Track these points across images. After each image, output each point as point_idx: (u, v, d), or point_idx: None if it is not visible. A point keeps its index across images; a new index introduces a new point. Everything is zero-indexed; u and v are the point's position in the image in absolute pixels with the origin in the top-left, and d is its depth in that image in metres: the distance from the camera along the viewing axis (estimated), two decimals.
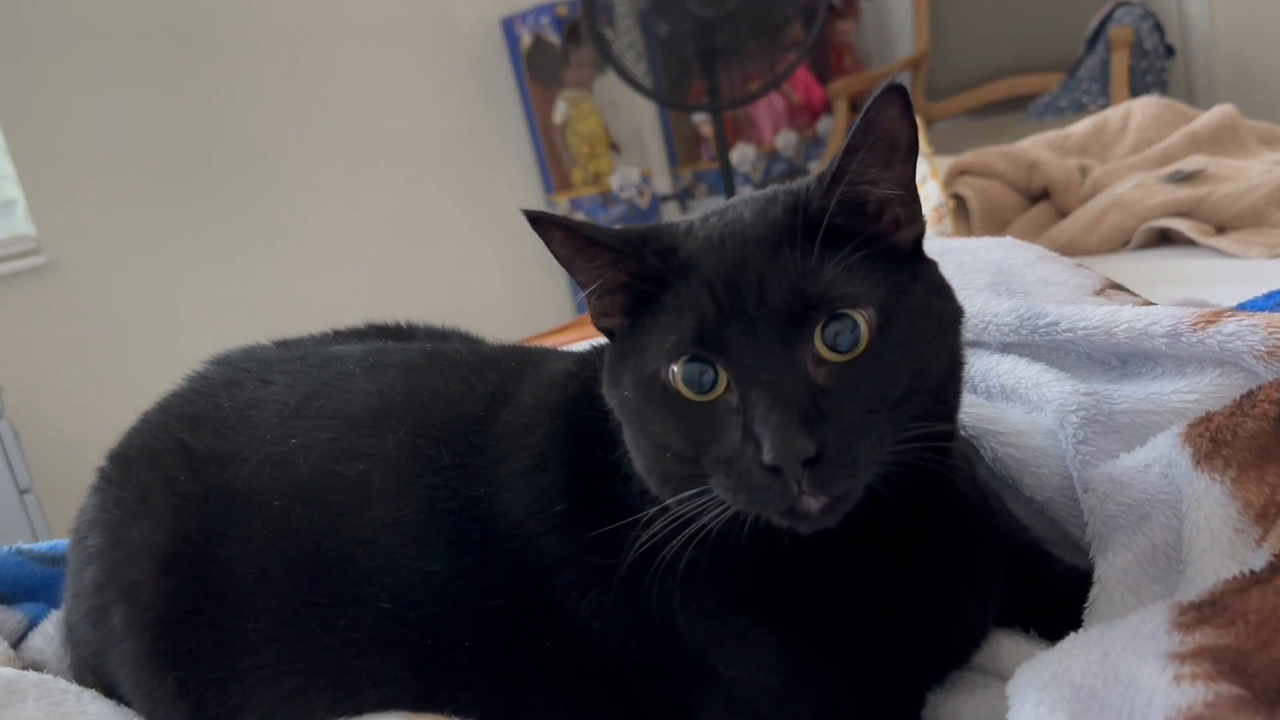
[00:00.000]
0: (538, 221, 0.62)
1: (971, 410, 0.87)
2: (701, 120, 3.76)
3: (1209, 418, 0.73)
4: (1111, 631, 0.60)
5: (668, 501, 0.63)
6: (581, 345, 0.93)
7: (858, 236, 0.60)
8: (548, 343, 1.33)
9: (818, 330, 0.58)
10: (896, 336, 0.59)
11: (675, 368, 0.60)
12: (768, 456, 0.55)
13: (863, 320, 0.58)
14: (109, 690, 0.86)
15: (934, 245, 1.30)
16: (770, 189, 0.67)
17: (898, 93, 0.59)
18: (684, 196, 3.91)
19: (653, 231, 0.65)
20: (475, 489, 0.74)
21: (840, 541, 0.64)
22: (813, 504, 0.57)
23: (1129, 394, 0.82)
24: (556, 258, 0.65)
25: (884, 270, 0.61)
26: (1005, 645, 0.73)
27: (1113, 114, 2.26)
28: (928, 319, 0.62)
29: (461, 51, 3.51)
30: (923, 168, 1.96)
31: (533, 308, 3.26)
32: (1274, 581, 0.59)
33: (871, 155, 0.61)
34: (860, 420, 0.57)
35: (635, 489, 0.67)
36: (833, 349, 0.58)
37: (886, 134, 0.60)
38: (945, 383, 0.63)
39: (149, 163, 2.78)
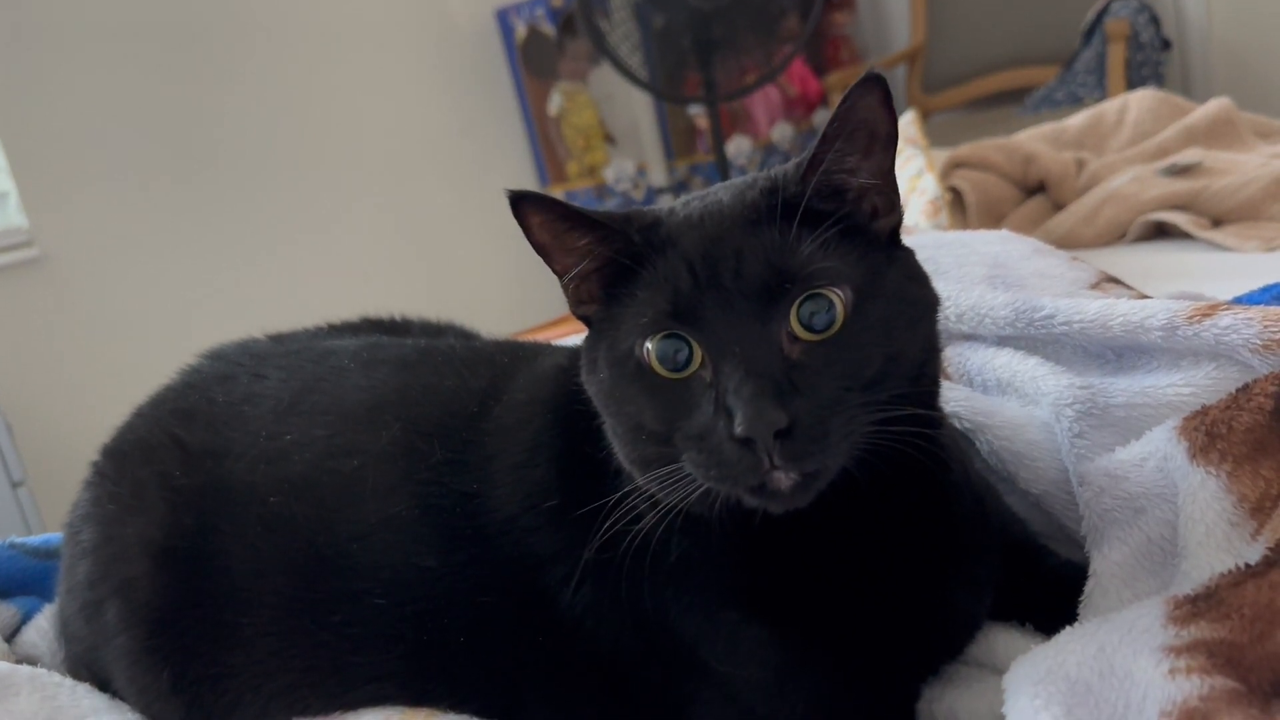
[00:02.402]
0: (519, 202, 0.62)
1: (967, 403, 0.87)
2: (697, 113, 3.74)
3: (1204, 411, 0.73)
4: (1107, 625, 0.60)
5: (639, 480, 0.63)
6: (575, 339, 0.93)
7: (833, 217, 0.61)
8: (543, 336, 1.33)
9: (794, 308, 0.58)
10: (871, 317, 0.59)
11: (649, 344, 0.60)
12: (739, 428, 0.55)
13: (838, 300, 0.59)
14: (103, 685, 0.86)
15: (930, 238, 1.30)
16: (748, 175, 0.68)
17: (876, 82, 0.59)
18: (680, 189, 3.90)
19: (635, 212, 0.65)
20: (468, 485, 0.74)
21: (827, 532, 0.64)
22: (784, 481, 0.56)
23: (1125, 387, 0.82)
24: (534, 244, 0.64)
25: (860, 252, 0.61)
26: (1001, 639, 0.73)
27: (1109, 107, 2.25)
28: (903, 303, 0.62)
29: (456, 43, 3.49)
30: (919, 160, 1.95)
31: (528, 301, 3.25)
32: (1269, 575, 0.59)
33: (850, 144, 0.61)
34: (833, 396, 0.57)
35: (625, 483, 0.67)
36: (808, 328, 0.58)
37: (865, 123, 0.61)
38: (920, 367, 0.63)
39: (143, 155, 2.77)
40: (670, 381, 0.60)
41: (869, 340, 0.59)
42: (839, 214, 0.61)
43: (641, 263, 0.62)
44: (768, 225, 0.60)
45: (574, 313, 0.68)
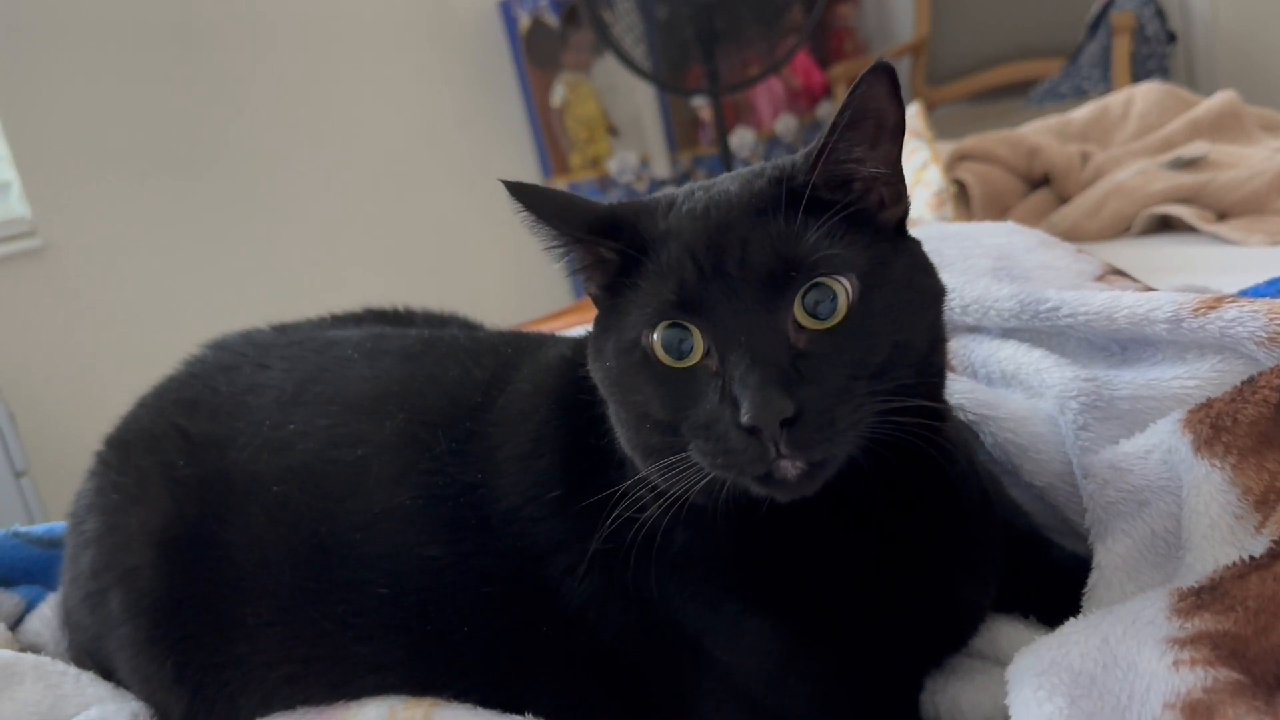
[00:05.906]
0: (520, 193, 0.62)
1: (972, 395, 0.87)
2: (701, 104, 3.74)
3: (1209, 404, 0.73)
4: (1111, 617, 0.60)
5: (644, 470, 0.63)
6: (578, 330, 0.93)
7: (839, 205, 0.61)
8: (545, 327, 1.32)
9: (799, 296, 0.58)
10: (877, 306, 0.59)
11: (654, 334, 0.60)
12: (746, 416, 0.54)
13: (842, 289, 0.58)
14: (107, 674, 0.87)
15: (935, 230, 1.30)
16: (756, 165, 0.67)
17: (885, 71, 0.59)
18: (683, 181, 3.88)
19: (638, 206, 0.65)
20: (472, 475, 0.74)
21: (832, 523, 0.64)
22: (790, 469, 0.56)
23: (1129, 380, 0.81)
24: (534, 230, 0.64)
25: (867, 241, 0.61)
26: (1004, 631, 0.73)
27: (1114, 100, 2.24)
28: (909, 292, 0.62)
29: (459, 34, 3.48)
30: (924, 153, 1.94)
31: (530, 292, 3.25)
32: (1273, 568, 0.59)
33: (858, 134, 0.61)
34: (840, 386, 0.57)
35: (629, 474, 0.67)
36: (813, 316, 0.58)
37: (874, 113, 0.60)
38: (926, 358, 0.63)
39: (145, 145, 2.77)
40: (676, 370, 0.60)
41: (875, 329, 0.59)
42: (846, 203, 0.61)
43: (646, 253, 0.62)
44: (774, 214, 0.60)
45: (587, 291, 0.68)
